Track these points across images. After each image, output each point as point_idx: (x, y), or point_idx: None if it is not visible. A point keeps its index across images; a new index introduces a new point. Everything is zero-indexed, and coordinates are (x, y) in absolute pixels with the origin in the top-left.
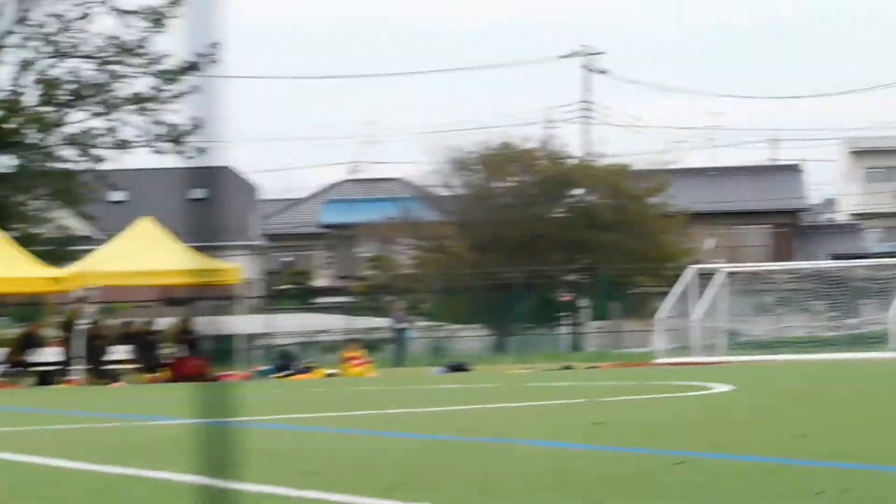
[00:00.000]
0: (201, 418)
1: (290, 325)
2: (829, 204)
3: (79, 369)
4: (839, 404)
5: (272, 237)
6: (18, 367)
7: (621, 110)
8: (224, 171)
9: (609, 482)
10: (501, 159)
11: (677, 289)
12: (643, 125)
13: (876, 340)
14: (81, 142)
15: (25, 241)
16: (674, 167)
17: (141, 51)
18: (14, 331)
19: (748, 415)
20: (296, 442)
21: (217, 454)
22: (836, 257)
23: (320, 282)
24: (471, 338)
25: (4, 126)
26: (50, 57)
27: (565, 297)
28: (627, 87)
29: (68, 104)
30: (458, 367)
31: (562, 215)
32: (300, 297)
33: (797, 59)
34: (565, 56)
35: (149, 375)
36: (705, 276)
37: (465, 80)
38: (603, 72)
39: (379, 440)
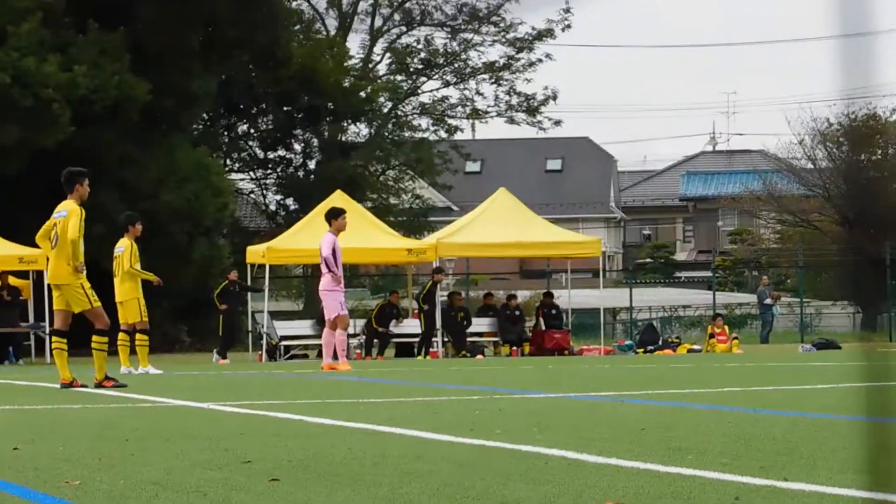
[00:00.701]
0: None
1: (650, 299)
2: None
3: (440, 341)
4: None
5: (630, 210)
6: (378, 339)
7: None
8: (581, 141)
9: None
10: (867, 131)
11: None
12: None
13: None
14: (434, 111)
15: (381, 212)
16: None
17: (493, 18)
18: (372, 301)
19: None
20: (665, 418)
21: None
22: None
23: (681, 256)
24: (838, 314)
25: (356, 95)
26: (400, 25)
27: None
28: None
29: (420, 73)
30: (827, 345)
31: None
32: (661, 271)
33: None
34: None
35: (511, 348)
36: None
37: (827, 50)
38: None
39: (750, 417)
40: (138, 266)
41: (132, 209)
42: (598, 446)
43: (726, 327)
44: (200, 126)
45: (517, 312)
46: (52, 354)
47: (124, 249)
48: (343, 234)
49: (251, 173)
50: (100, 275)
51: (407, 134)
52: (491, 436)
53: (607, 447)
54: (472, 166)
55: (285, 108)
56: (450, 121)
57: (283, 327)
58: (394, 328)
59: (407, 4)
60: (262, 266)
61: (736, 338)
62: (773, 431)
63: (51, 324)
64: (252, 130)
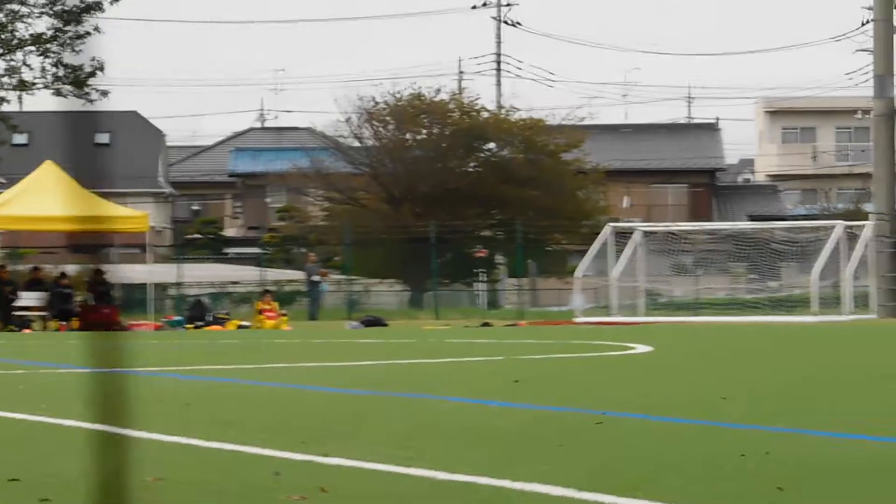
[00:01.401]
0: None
1: (200, 275)
2: (746, 164)
3: None
4: (760, 367)
5: (179, 185)
6: None
7: (534, 64)
8: (129, 115)
9: (530, 439)
10: (412, 111)
11: (594, 247)
12: (556, 79)
13: (797, 304)
14: None
15: None
16: (588, 123)
17: None
18: None
19: (669, 376)
20: (209, 393)
21: (109, 401)
22: (754, 219)
23: (230, 232)
24: (386, 292)
25: None
26: None
27: (480, 252)
28: (541, 41)
29: None
30: (374, 322)
31: (475, 169)
32: (210, 246)
33: (714, 16)
34: (477, 6)
35: (59, 323)
36: (622, 235)
37: (376, 29)
38: (515, 24)
39: (294, 393)
40: None
41: None
42: (143, 422)
43: (275, 304)
44: None
45: (67, 289)
46: None
47: None
48: None
49: None
50: None
51: None
52: (35, 410)
53: (152, 422)
54: (19, 139)
55: None
56: None
57: None
58: None
59: None
60: None
61: (285, 314)
62: (314, 406)
63: None
64: None
